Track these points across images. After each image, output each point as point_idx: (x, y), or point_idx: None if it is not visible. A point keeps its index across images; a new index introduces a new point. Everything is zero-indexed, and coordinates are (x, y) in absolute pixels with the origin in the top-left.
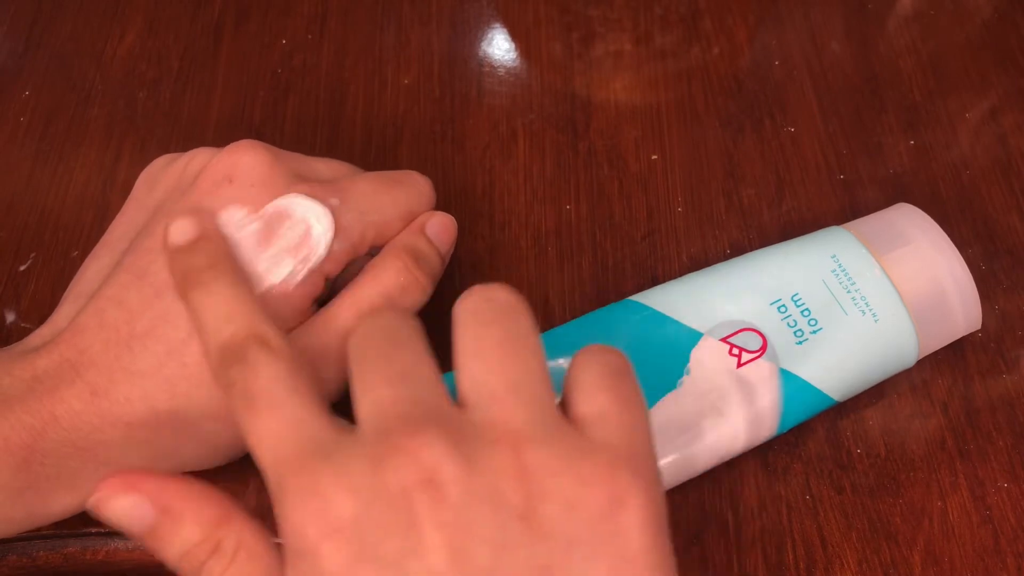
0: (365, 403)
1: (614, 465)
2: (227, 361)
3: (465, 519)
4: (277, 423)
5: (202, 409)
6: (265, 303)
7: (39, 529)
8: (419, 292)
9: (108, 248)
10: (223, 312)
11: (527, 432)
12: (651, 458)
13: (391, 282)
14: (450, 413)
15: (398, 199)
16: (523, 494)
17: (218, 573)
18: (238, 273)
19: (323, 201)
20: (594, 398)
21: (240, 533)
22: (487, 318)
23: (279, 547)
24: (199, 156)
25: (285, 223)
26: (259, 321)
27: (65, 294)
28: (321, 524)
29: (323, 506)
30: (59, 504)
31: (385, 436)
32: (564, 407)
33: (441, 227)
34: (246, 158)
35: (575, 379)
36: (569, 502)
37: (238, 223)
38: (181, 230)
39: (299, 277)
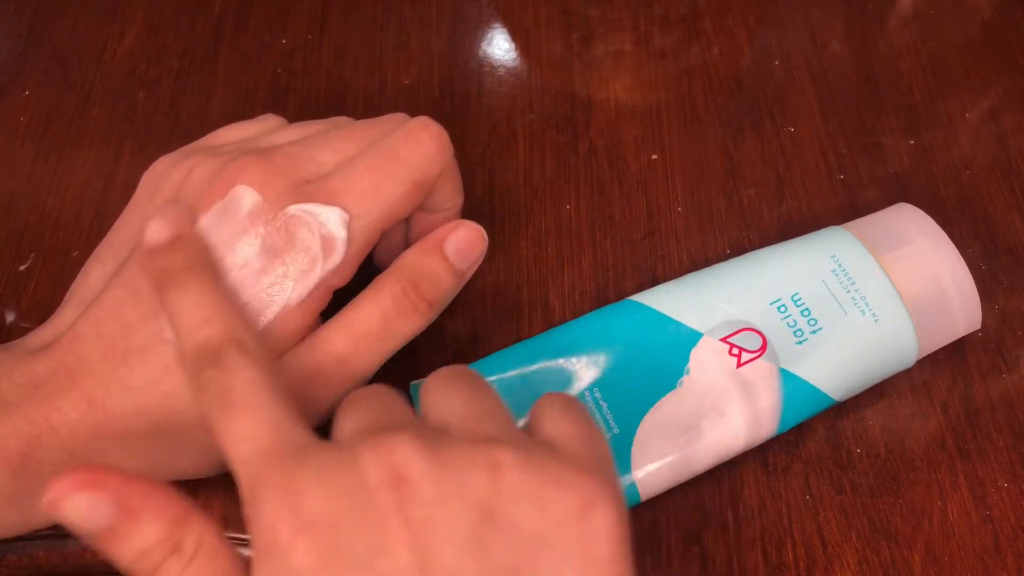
0: (347, 425)
1: (584, 472)
2: (202, 362)
3: (433, 517)
4: (254, 422)
5: (199, 424)
6: (268, 325)
7: (38, 529)
8: (417, 318)
9: (111, 252)
10: (200, 313)
11: (499, 437)
12: (616, 476)
13: (388, 306)
14: (425, 425)
15: (400, 179)
16: (494, 491)
17: (175, 573)
18: (215, 274)
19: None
20: (559, 422)
21: (200, 533)
22: (450, 374)
23: (239, 548)
24: (198, 169)
25: (287, 246)
26: (236, 324)
27: (68, 295)
28: (293, 520)
29: (296, 502)
30: None
31: (360, 439)
32: (529, 434)
33: (465, 243)
34: (243, 181)
35: (538, 411)
36: (540, 501)
37: (243, 253)
38: (157, 230)
39: (300, 296)
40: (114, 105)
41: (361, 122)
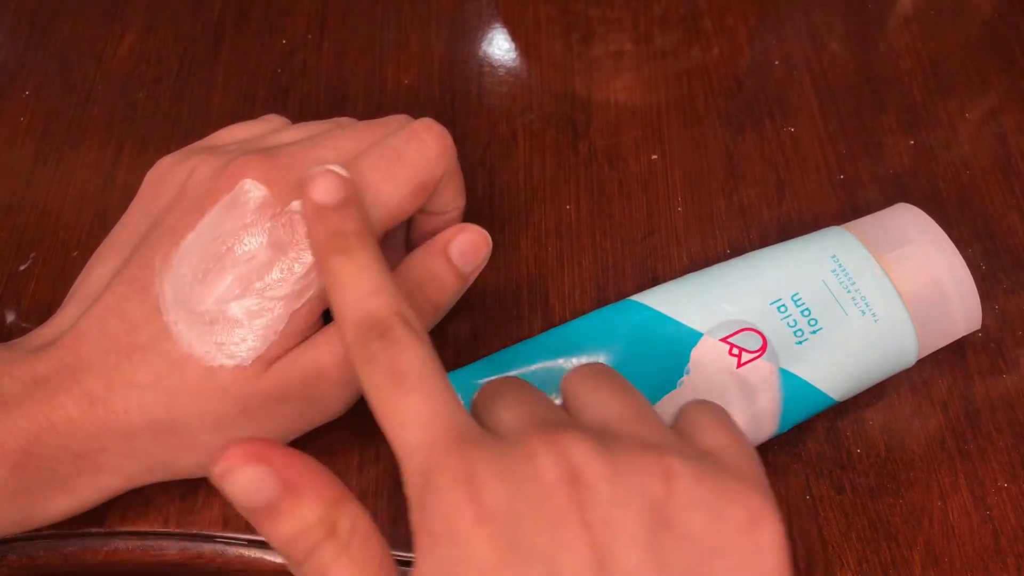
0: (506, 415)
1: (750, 487)
2: (369, 334)
3: (611, 518)
4: (427, 404)
5: (201, 421)
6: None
7: (38, 529)
8: (423, 319)
9: (114, 251)
10: (369, 283)
11: (666, 444)
12: (771, 491)
13: None
14: (590, 427)
15: (403, 180)
16: (667, 498)
17: (330, 559)
18: (379, 246)
19: None
20: (716, 432)
21: (355, 516)
22: (597, 372)
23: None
24: (201, 168)
25: (292, 242)
26: (402, 300)
27: (70, 294)
28: (475, 510)
29: (478, 492)
30: (55, 507)
31: (533, 434)
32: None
33: (470, 246)
34: (245, 178)
35: (692, 418)
36: (712, 512)
37: (250, 245)
38: (329, 188)
39: (308, 294)
40: (114, 105)
41: (364, 122)
